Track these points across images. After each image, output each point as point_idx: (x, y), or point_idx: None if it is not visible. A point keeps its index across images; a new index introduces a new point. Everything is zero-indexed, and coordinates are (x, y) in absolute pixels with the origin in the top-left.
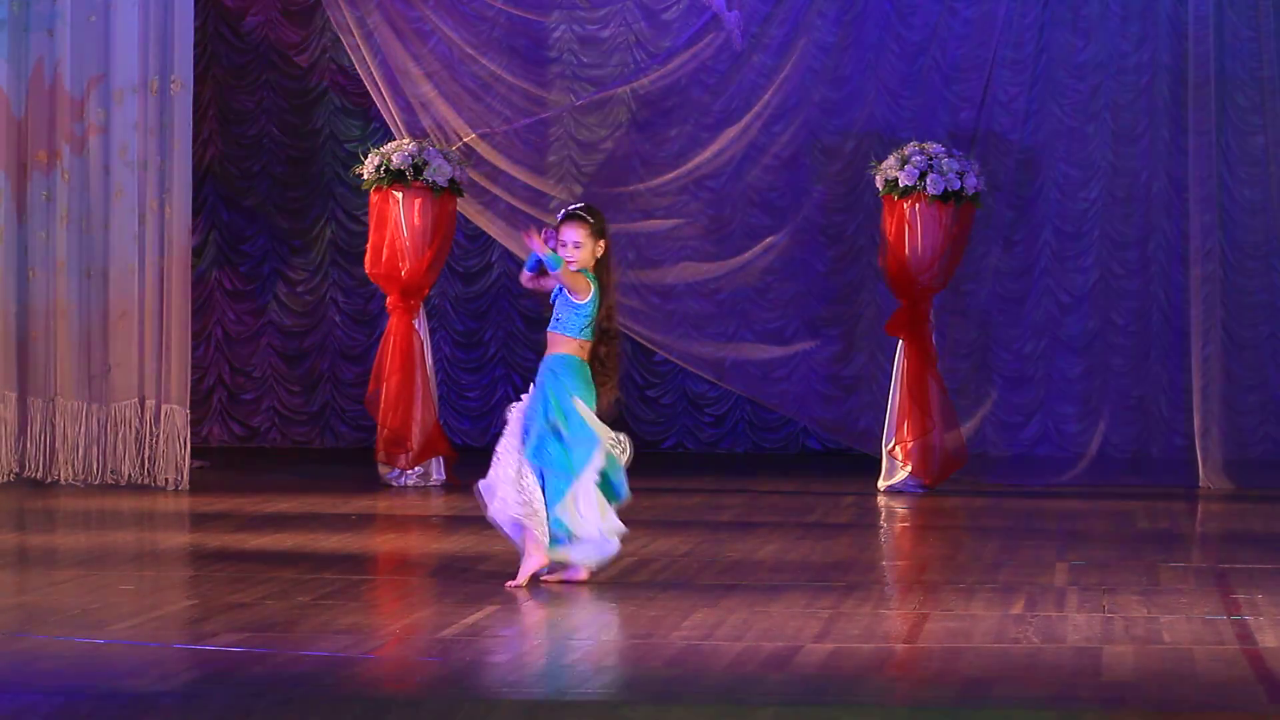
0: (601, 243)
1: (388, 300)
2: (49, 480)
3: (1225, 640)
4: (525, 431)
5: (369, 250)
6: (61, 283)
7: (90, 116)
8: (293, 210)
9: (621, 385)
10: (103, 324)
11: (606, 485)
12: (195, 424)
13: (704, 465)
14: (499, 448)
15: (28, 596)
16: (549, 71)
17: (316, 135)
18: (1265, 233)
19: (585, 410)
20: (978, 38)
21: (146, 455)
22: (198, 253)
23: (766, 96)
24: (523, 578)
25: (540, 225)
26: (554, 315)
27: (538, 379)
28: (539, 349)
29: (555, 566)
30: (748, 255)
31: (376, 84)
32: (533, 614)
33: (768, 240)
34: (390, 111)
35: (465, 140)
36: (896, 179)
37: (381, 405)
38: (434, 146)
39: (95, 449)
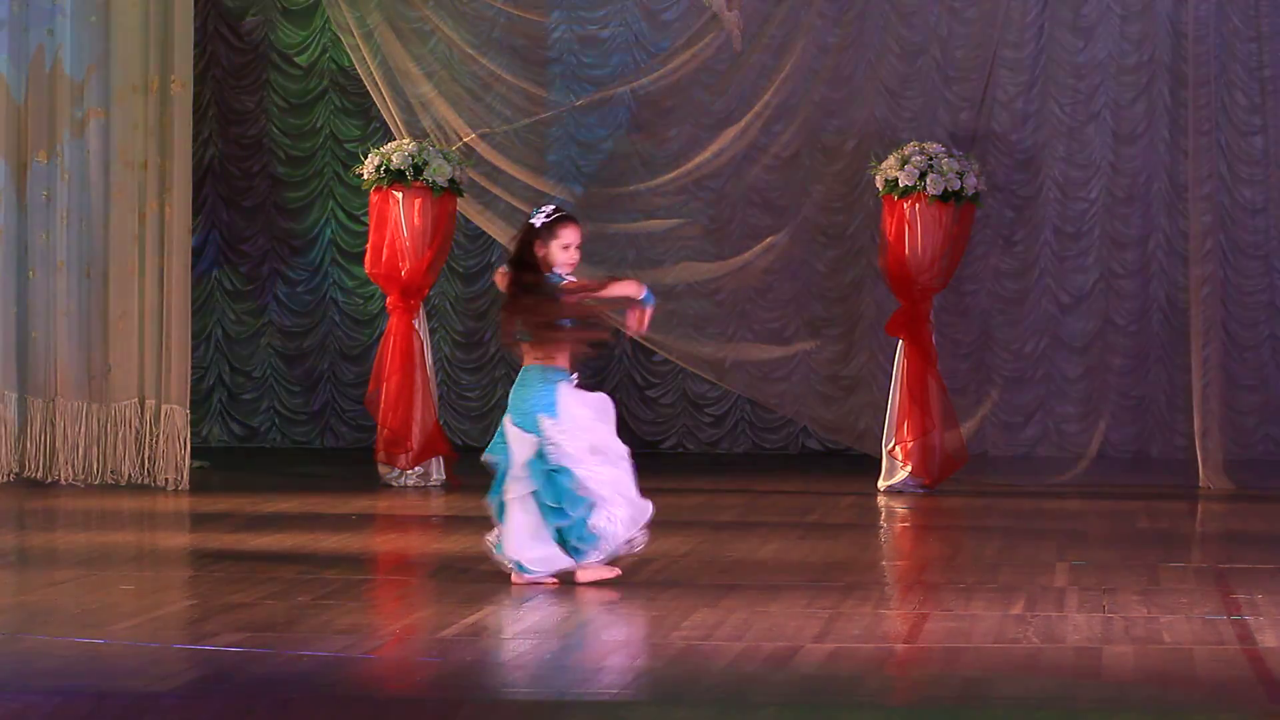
0: None
1: (388, 300)
2: (49, 480)
3: (1225, 640)
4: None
5: (369, 250)
6: (61, 283)
7: (89, 101)
8: (293, 210)
9: (620, 383)
10: (103, 324)
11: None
12: (195, 424)
13: (704, 465)
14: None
15: (28, 596)
16: (549, 71)
17: (316, 135)
18: (1265, 233)
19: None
20: (978, 38)
21: (146, 455)
22: (198, 253)
23: (766, 96)
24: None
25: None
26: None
27: None
28: None
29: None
30: (748, 255)
31: (376, 84)
32: (533, 614)
33: (768, 240)
34: (390, 111)
35: (465, 140)
36: (896, 179)
37: (381, 405)
38: (434, 146)
39: (95, 449)
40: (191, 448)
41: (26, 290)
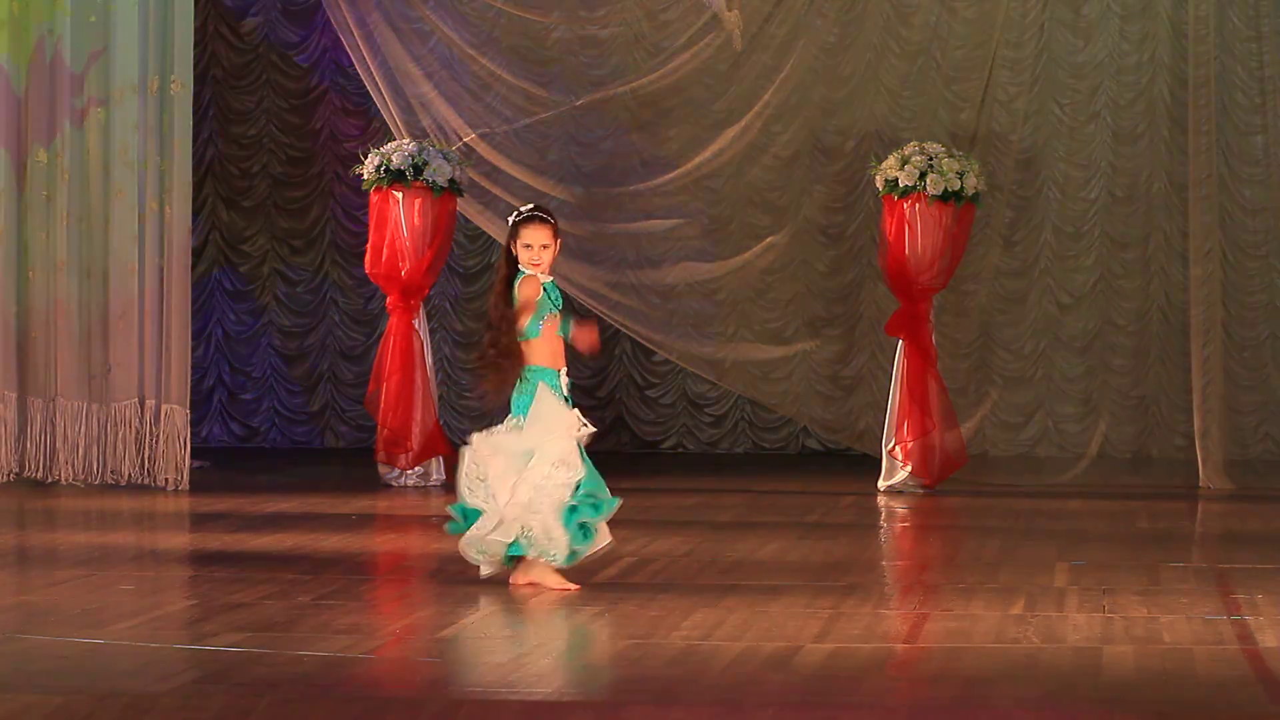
0: (559, 240)
1: (388, 300)
2: (49, 480)
3: (1225, 640)
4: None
5: (369, 250)
6: (61, 283)
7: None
8: (293, 210)
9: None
10: (103, 324)
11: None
12: (195, 424)
13: (704, 465)
14: None
15: (28, 596)
16: (549, 71)
17: (316, 135)
18: (1265, 233)
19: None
20: (978, 38)
21: (146, 455)
22: (198, 253)
23: (766, 96)
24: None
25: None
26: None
27: None
28: None
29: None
30: (748, 255)
31: (376, 84)
32: (532, 614)
33: (768, 240)
34: (390, 111)
35: (465, 140)
36: (896, 179)
37: (381, 405)
38: (434, 146)
39: (95, 449)
40: (191, 448)
41: (26, 290)
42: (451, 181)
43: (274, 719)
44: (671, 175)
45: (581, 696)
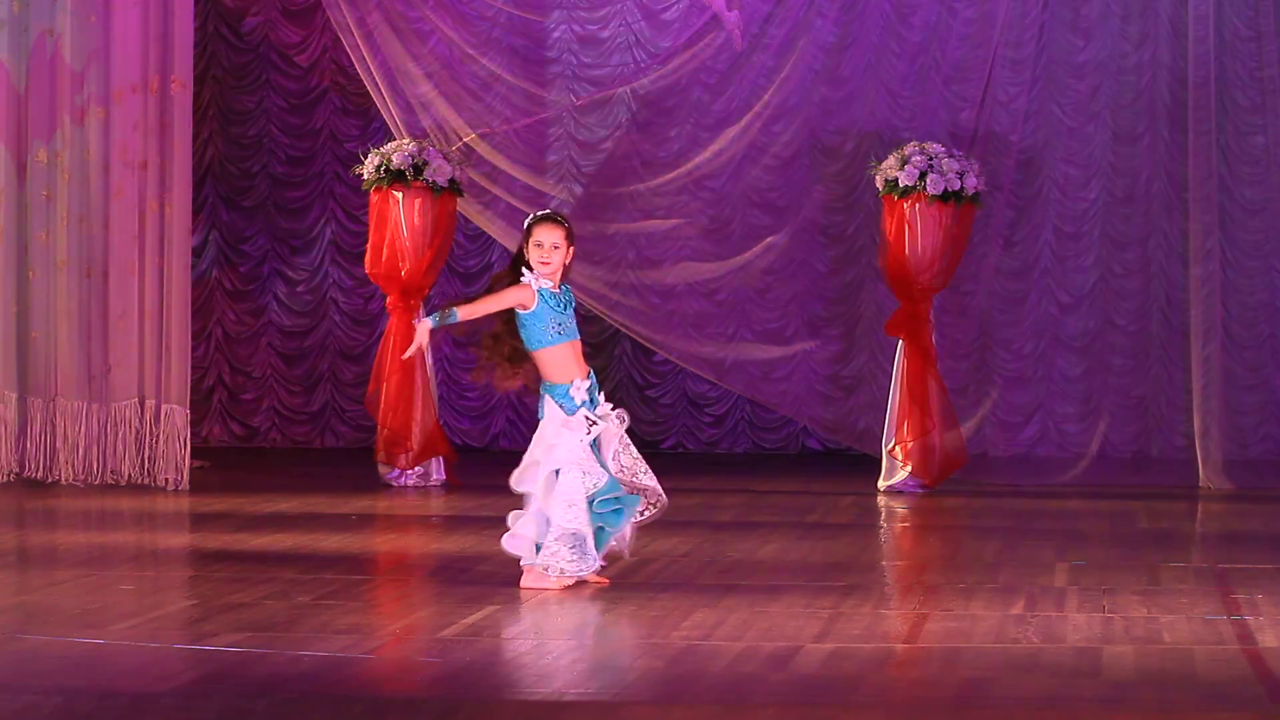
0: (572, 249)
1: (388, 300)
2: (49, 480)
3: (1225, 640)
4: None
5: (369, 250)
6: (61, 283)
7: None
8: (293, 210)
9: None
10: (103, 324)
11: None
12: (195, 424)
13: (704, 465)
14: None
15: (28, 596)
16: (549, 71)
17: (316, 135)
18: (1265, 233)
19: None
20: (978, 38)
21: (146, 455)
22: (198, 253)
23: (766, 96)
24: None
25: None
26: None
27: None
28: None
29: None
30: (748, 255)
31: (376, 84)
32: (533, 614)
33: (768, 240)
34: (390, 111)
35: (465, 140)
36: (896, 179)
37: (381, 405)
38: (434, 146)
39: (95, 449)
40: (191, 448)
41: (27, 290)
42: (451, 181)
43: (274, 719)
44: (671, 175)
45: (582, 696)
